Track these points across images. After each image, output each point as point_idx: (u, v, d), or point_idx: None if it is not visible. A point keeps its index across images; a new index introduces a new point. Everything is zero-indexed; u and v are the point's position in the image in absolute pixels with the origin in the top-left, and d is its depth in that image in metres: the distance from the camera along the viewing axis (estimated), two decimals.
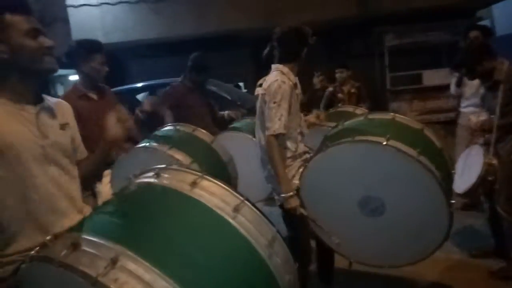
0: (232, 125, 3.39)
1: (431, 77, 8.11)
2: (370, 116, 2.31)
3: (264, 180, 2.38)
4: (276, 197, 2.29)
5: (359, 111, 3.31)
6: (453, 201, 1.94)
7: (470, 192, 2.63)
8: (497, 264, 2.66)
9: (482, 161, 2.56)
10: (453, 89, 3.56)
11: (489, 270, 2.64)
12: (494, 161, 2.52)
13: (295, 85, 2.24)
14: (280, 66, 2.22)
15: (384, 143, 1.87)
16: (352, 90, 4.46)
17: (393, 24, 8.08)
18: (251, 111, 2.95)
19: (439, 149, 2.20)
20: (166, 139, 2.46)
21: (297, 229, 2.23)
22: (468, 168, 2.68)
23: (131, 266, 0.94)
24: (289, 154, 2.25)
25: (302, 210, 2.11)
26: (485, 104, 2.72)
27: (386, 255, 2.09)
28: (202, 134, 2.57)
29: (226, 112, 3.55)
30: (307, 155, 2.31)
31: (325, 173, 2.07)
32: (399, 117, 2.23)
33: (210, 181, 1.24)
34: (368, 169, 1.98)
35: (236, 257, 1.13)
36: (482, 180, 2.54)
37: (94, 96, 2.49)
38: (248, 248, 1.14)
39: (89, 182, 1.67)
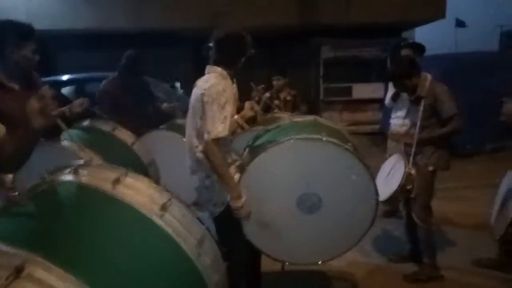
0: (164, 125, 3.31)
1: (360, 90, 8.66)
2: (295, 120, 2.41)
3: (190, 184, 2.22)
4: (210, 209, 2.12)
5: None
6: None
7: (391, 200, 2.79)
8: (411, 268, 2.86)
9: (403, 171, 2.74)
10: (388, 101, 3.71)
11: (403, 274, 2.82)
12: (413, 171, 2.70)
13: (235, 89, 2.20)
14: (219, 69, 2.11)
15: (324, 139, 1.98)
16: (288, 98, 4.56)
17: (331, 37, 8.48)
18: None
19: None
20: (79, 138, 2.31)
21: (233, 241, 2.09)
22: (391, 176, 2.85)
23: (41, 274, 0.84)
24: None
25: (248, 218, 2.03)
26: (409, 117, 2.91)
27: (322, 249, 2.15)
28: (122, 134, 2.44)
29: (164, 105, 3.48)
30: (238, 162, 2.24)
31: (264, 176, 2.06)
32: (319, 119, 2.40)
33: (136, 178, 1.18)
34: (307, 166, 2.04)
35: (163, 259, 1.08)
36: (402, 189, 2.71)
37: (16, 87, 2.18)
38: (175, 249, 1.10)
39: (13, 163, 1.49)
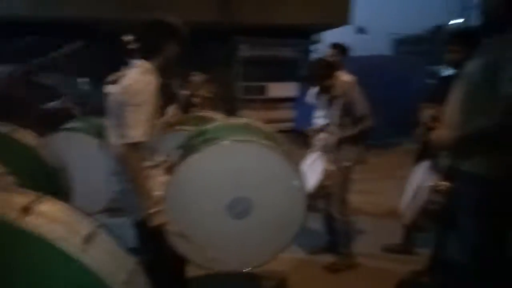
0: (69, 125, 3.00)
1: (274, 89, 8.97)
2: (228, 121, 2.36)
3: (104, 188, 2.09)
4: (132, 214, 1.95)
5: (217, 116, 3.33)
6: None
7: (312, 195, 2.92)
8: (331, 259, 3.03)
9: (323, 167, 2.87)
10: (309, 99, 3.81)
11: (323, 265, 2.97)
12: (332, 167, 2.85)
13: (160, 85, 1.95)
14: (140, 63, 1.89)
15: (259, 141, 1.94)
16: (208, 95, 4.49)
17: (250, 35, 8.59)
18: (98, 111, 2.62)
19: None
20: None
21: (157, 248, 1.96)
22: (312, 172, 2.96)
23: None
24: (148, 163, 1.92)
25: (169, 226, 1.88)
26: (327, 116, 3.05)
27: (251, 255, 2.12)
28: (25, 136, 2.10)
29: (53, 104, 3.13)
30: (167, 163, 2.12)
31: (195, 178, 1.96)
32: (252, 121, 2.38)
33: (52, 204, 0.99)
34: (241, 169, 1.99)
35: None
36: (321, 184, 2.84)
37: None
38: None
39: None
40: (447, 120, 1.97)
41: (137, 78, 1.82)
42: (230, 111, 6.04)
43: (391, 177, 5.42)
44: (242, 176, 1.99)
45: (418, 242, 3.11)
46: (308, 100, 3.71)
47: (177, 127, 2.74)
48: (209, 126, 2.30)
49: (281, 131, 7.94)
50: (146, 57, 1.90)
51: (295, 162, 2.12)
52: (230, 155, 1.99)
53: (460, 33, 2.81)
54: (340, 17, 8.86)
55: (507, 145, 1.77)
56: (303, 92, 7.52)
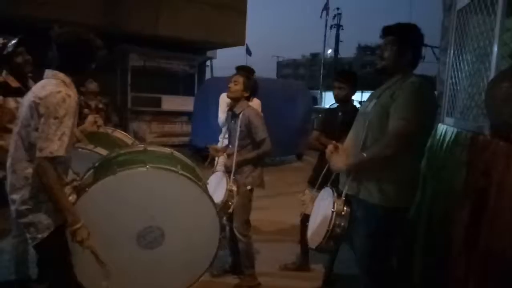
0: None
1: (169, 102, 8.71)
2: (151, 148, 2.21)
3: None
4: (31, 235, 1.78)
5: (117, 133, 3.06)
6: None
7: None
8: (234, 281, 3.02)
9: (225, 187, 2.87)
10: (220, 120, 3.74)
11: (227, 287, 2.94)
12: (234, 188, 2.87)
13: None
14: (61, 75, 1.80)
15: (179, 172, 1.83)
16: (100, 106, 4.13)
17: (139, 45, 8.20)
18: None
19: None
20: None
21: (55, 273, 1.82)
22: (215, 192, 2.93)
23: None
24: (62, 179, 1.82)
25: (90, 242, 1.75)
26: (230, 136, 3.08)
27: (161, 286, 1.99)
28: None
29: None
30: (76, 183, 1.91)
31: (106, 201, 1.80)
32: (176, 153, 2.26)
33: None
34: (156, 198, 1.87)
35: None
36: (224, 205, 2.84)
37: None
38: None
39: None
40: (346, 149, 2.19)
41: (56, 90, 1.73)
42: (120, 124, 5.67)
43: (283, 194, 5.75)
44: (157, 205, 1.88)
45: (311, 259, 3.33)
46: (220, 121, 3.69)
47: (76, 144, 2.45)
48: (128, 149, 2.12)
49: (176, 146, 7.79)
50: (66, 70, 1.83)
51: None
52: (147, 182, 1.86)
53: (345, 73, 3.17)
54: (237, 37, 9.16)
55: (401, 175, 2.05)
56: (200, 107, 7.56)
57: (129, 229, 1.85)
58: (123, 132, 3.17)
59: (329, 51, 32.15)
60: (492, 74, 2.09)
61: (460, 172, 2.14)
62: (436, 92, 3.43)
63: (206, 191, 1.99)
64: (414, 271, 2.69)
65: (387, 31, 2.14)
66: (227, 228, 3.11)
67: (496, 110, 1.88)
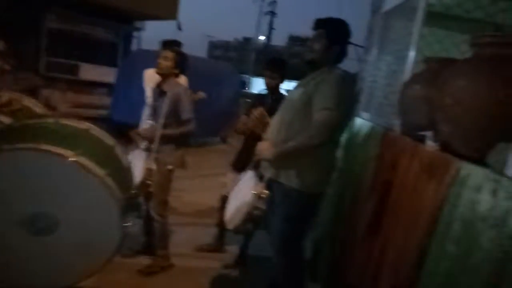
0: None
1: (88, 71, 8.04)
2: (63, 122, 1.98)
3: None
4: None
5: (25, 100, 2.71)
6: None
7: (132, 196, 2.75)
8: (146, 261, 2.93)
9: (144, 165, 2.74)
10: (147, 92, 3.55)
11: (137, 269, 2.84)
12: (153, 167, 2.76)
13: None
14: None
15: (73, 158, 1.65)
16: (6, 67, 3.65)
17: (57, 5, 7.39)
18: None
19: (124, 167, 2.21)
20: None
21: None
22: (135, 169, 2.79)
23: None
24: None
25: None
26: (155, 113, 2.93)
27: (56, 275, 1.84)
28: None
29: None
30: None
31: None
32: (94, 129, 2.07)
33: None
34: (44, 183, 1.69)
35: None
36: (142, 183, 2.72)
37: None
38: None
39: None
40: (271, 136, 2.23)
41: None
42: (30, 90, 5.10)
43: (205, 176, 5.71)
44: (46, 191, 1.72)
45: (227, 240, 3.36)
46: (146, 93, 3.48)
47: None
48: (34, 121, 1.88)
49: (93, 119, 7.29)
50: None
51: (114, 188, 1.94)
52: (34, 165, 1.68)
53: (277, 62, 3.20)
54: (170, 10, 8.72)
55: (319, 162, 2.14)
56: (123, 80, 7.08)
57: (15, 214, 1.68)
58: (32, 100, 2.84)
59: (262, 37, 32.39)
60: (406, 76, 2.25)
61: (371, 164, 2.30)
62: (358, 87, 3.64)
63: (103, 176, 1.82)
64: (322, 256, 2.86)
65: (318, 24, 2.19)
66: (144, 208, 2.99)
67: (407, 110, 2.04)
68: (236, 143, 3.40)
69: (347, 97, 2.12)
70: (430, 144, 1.62)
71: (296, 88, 2.29)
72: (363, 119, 2.99)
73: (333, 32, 2.19)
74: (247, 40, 46.87)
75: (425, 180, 1.58)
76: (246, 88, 17.83)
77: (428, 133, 1.64)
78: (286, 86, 3.15)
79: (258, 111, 2.53)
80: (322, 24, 2.19)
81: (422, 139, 1.79)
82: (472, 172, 1.28)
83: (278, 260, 2.28)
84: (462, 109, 1.36)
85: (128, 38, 9.11)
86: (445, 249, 1.34)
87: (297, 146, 2.06)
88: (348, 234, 2.36)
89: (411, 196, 1.70)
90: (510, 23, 2.36)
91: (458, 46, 2.75)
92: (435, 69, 1.83)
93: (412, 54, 2.27)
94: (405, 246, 1.66)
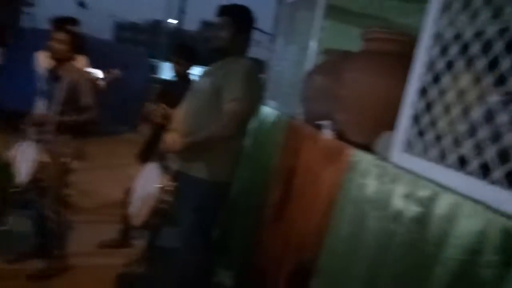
0: None
1: None
2: None
3: None
4: None
5: None
6: None
7: (23, 191, 2.47)
8: (37, 265, 2.64)
9: (35, 158, 2.47)
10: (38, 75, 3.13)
11: (28, 274, 2.55)
12: (47, 159, 2.50)
13: None
14: None
15: None
16: None
17: None
18: None
19: None
20: None
21: None
22: (23, 163, 2.49)
23: None
24: None
25: None
26: (49, 98, 2.63)
27: None
28: None
29: None
30: None
31: None
32: None
33: None
34: None
35: None
36: (32, 178, 2.45)
37: None
38: None
39: None
40: (178, 126, 2.15)
41: None
42: None
43: (111, 167, 5.36)
44: None
45: (133, 234, 3.20)
46: (38, 78, 3.11)
47: None
48: None
49: None
50: None
51: None
52: None
53: (185, 48, 3.10)
54: None
55: (228, 152, 2.13)
56: (11, 62, 6.24)
57: None
58: None
59: (173, 21, 31.29)
60: (309, 67, 2.35)
61: (277, 152, 2.37)
62: (265, 76, 3.71)
63: None
64: (232, 244, 2.90)
65: (223, 11, 2.16)
66: (36, 205, 2.70)
67: (309, 99, 2.13)
68: (147, 132, 3.24)
69: (255, 87, 2.14)
70: (327, 133, 1.71)
71: (203, 76, 2.24)
72: (271, 107, 3.07)
73: (240, 20, 2.18)
74: (157, 23, 44.89)
75: (324, 167, 1.67)
76: (157, 73, 17.12)
77: (327, 122, 1.73)
78: (199, 72, 3.09)
79: (160, 109, 2.44)
80: (227, 11, 2.16)
81: (322, 128, 1.88)
82: (361, 159, 1.39)
83: (187, 252, 2.24)
84: (354, 99, 1.45)
85: (16, 15, 8.06)
86: (340, 230, 1.43)
87: (207, 137, 2.02)
88: (258, 220, 2.41)
89: (312, 182, 1.78)
90: (399, 20, 2.59)
91: (356, 40, 2.95)
92: (334, 61, 1.93)
93: (314, 45, 2.36)
94: (307, 229, 1.74)
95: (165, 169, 2.15)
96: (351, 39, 2.68)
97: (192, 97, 2.19)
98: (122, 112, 7.84)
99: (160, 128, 2.56)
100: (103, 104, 2.64)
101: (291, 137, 2.24)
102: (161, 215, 2.04)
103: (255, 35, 2.36)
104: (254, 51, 2.38)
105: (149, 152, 2.77)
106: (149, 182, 2.18)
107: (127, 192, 2.92)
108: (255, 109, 2.28)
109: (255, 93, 2.14)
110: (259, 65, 2.38)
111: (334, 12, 2.58)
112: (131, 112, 7.95)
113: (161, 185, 2.01)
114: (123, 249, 3.14)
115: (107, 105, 5.56)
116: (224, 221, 3.12)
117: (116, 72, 3.80)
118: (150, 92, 8.52)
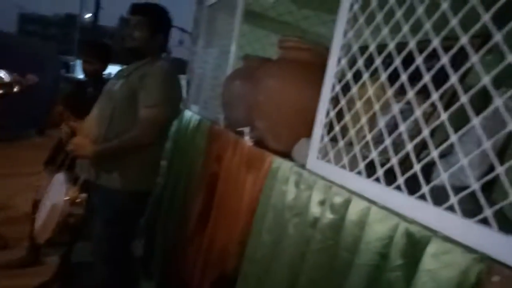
0: None
1: None
2: None
3: None
4: None
5: None
6: None
7: None
8: None
9: None
10: None
11: None
12: None
13: None
14: None
15: None
16: None
17: None
18: None
19: None
20: None
21: None
22: None
23: None
24: None
25: None
26: None
27: None
28: None
29: None
30: None
31: None
32: None
33: None
34: None
35: None
36: None
37: None
38: None
39: None
40: (89, 132, 2.00)
41: None
42: None
43: (14, 175, 4.84)
44: None
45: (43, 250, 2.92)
46: None
47: None
48: None
49: None
50: None
51: None
52: None
53: (95, 46, 2.90)
54: None
55: (144, 159, 2.02)
56: None
57: None
58: None
59: (88, 15, 29.29)
60: (228, 71, 2.33)
61: (200, 157, 2.32)
62: (187, 79, 3.62)
63: None
64: (155, 254, 2.78)
65: (136, 10, 2.05)
66: None
67: (229, 105, 2.12)
68: (56, 136, 2.97)
69: (174, 91, 2.07)
70: (247, 139, 1.71)
71: (116, 78, 2.11)
72: (192, 111, 3.00)
73: (156, 20, 2.08)
74: (70, 17, 41.65)
75: (245, 174, 1.66)
76: (70, 72, 15.88)
77: (246, 128, 1.73)
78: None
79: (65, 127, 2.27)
80: (141, 11, 2.05)
81: (242, 134, 1.88)
82: (281, 166, 1.41)
83: (102, 268, 2.09)
84: (272, 106, 1.47)
85: None
86: (261, 238, 1.43)
87: (122, 145, 1.90)
88: (181, 229, 2.34)
89: (234, 189, 1.77)
90: (314, 29, 2.69)
91: (274, 47, 3.02)
92: (253, 67, 1.94)
93: (233, 49, 2.36)
94: (230, 236, 1.73)
95: (75, 179, 1.98)
96: (271, 46, 2.74)
97: (105, 100, 2.05)
98: (28, 115, 7.13)
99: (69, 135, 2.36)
100: (7, 106, 2.36)
101: (212, 143, 2.21)
102: (70, 230, 1.87)
103: (178, 35, 2.28)
104: (177, 51, 2.30)
105: (58, 159, 2.55)
106: (55, 194, 1.99)
107: (35, 204, 2.66)
108: (174, 114, 2.20)
109: (173, 98, 2.07)
110: (181, 66, 2.31)
111: (252, 17, 2.60)
112: (39, 114, 7.28)
113: (69, 198, 1.84)
114: (33, 267, 2.84)
115: (11, 106, 5.03)
116: (147, 231, 2.98)
117: (33, 78, 3.40)
118: (59, 92, 7.89)
